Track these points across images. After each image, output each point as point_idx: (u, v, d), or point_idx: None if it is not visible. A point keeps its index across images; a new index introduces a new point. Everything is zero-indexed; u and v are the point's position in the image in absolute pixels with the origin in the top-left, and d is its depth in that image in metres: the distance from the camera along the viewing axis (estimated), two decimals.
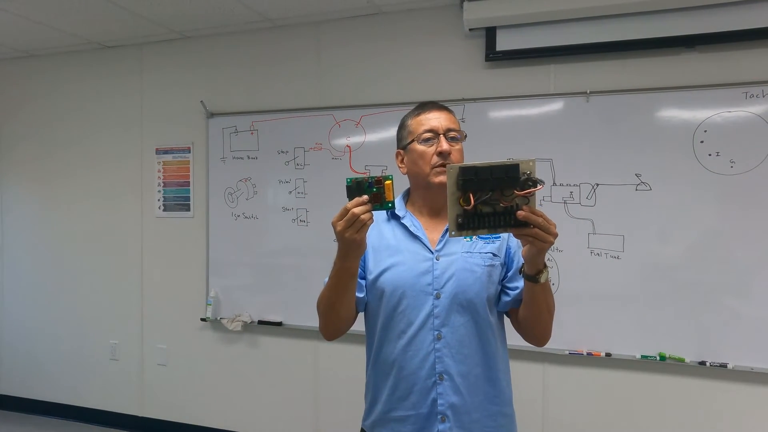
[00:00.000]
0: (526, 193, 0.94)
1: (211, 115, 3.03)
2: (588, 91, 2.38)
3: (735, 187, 2.21)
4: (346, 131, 2.77)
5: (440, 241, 1.21)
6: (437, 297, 1.17)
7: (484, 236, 1.21)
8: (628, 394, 2.39)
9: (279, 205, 2.90)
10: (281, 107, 2.91)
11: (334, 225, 1.02)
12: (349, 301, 1.16)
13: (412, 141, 1.22)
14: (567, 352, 2.42)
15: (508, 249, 1.24)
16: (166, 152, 3.19)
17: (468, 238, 1.21)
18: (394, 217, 1.25)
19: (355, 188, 1.02)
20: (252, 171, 2.95)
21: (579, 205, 2.40)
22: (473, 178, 0.93)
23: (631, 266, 2.33)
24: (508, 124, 2.50)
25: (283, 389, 2.96)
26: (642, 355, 2.32)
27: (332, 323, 1.19)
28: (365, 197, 1.01)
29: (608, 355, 2.37)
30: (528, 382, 2.49)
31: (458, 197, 0.95)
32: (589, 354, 2.39)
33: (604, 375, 2.42)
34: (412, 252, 1.21)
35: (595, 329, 2.39)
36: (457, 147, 1.20)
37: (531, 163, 0.94)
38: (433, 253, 1.20)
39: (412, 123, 1.24)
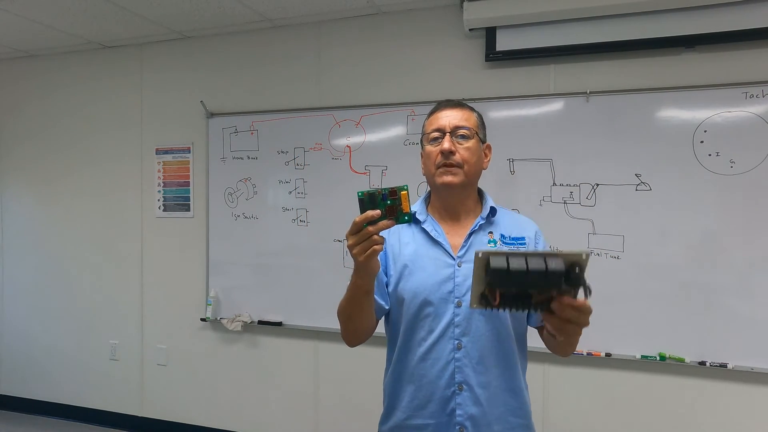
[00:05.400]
0: (565, 302, 0.82)
1: (211, 115, 3.03)
2: (588, 91, 2.38)
3: (735, 187, 2.21)
4: (346, 131, 2.77)
5: (462, 246, 1.17)
6: (458, 305, 1.14)
7: (508, 242, 1.18)
8: (628, 394, 2.39)
9: (279, 205, 2.90)
10: (281, 107, 2.91)
11: (347, 239, 0.99)
12: (367, 315, 1.13)
13: (424, 142, 1.21)
14: None
15: None
16: (166, 152, 3.19)
17: (492, 243, 1.18)
18: (414, 221, 1.21)
19: (368, 201, 0.96)
20: (252, 171, 2.95)
21: (579, 206, 2.40)
22: (504, 277, 0.79)
23: (631, 266, 2.33)
24: (509, 124, 2.50)
25: (283, 389, 2.96)
26: (642, 355, 2.32)
27: (352, 332, 1.17)
28: (377, 211, 0.94)
29: (608, 355, 2.37)
30: (528, 382, 2.49)
31: (485, 281, 0.82)
32: (589, 354, 2.40)
33: (604, 375, 2.42)
34: (432, 258, 1.17)
35: (595, 329, 2.36)
36: (466, 145, 1.16)
37: (585, 257, 0.77)
38: (454, 259, 1.16)
39: (425, 124, 1.23)
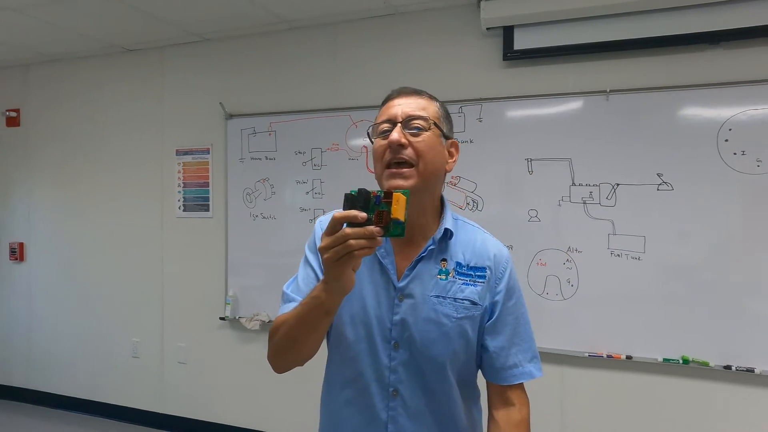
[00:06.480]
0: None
1: (230, 116, 3.07)
2: (608, 90, 2.35)
3: (761, 186, 2.15)
4: (362, 132, 2.77)
5: (405, 276, 0.97)
6: (395, 348, 0.96)
7: (465, 273, 0.98)
8: (650, 399, 2.34)
9: (296, 205, 2.92)
10: (298, 108, 2.93)
11: (321, 239, 0.80)
12: (315, 340, 0.92)
13: (372, 136, 0.99)
14: (586, 355, 2.39)
15: (495, 295, 1.00)
16: (186, 153, 3.24)
17: (443, 274, 0.97)
18: None
19: (356, 200, 0.78)
20: (270, 171, 2.98)
21: (599, 206, 2.37)
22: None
23: (653, 267, 2.29)
24: (527, 124, 2.48)
25: (300, 388, 2.98)
26: (664, 359, 2.28)
27: (289, 359, 0.98)
28: (362, 214, 0.76)
29: (629, 357, 2.33)
30: (546, 384, 2.46)
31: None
32: (609, 356, 2.36)
33: (625, 378, 2.37)
34: (374, 284, 0.98)
35: (616, 331, 2.35)
36: (420, 139, 0.94)
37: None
38: (396, 290, 0.97)
39: (377, 115, 1.01)
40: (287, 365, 0.99)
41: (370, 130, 1.00)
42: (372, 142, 0.99)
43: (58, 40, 3.18)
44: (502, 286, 1.00)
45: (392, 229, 0.78)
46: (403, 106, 0.97)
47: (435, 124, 0.96)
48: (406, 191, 0.79)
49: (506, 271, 1.02)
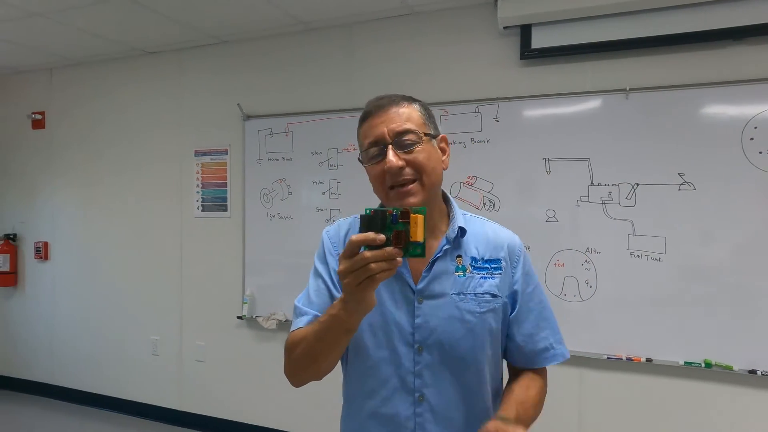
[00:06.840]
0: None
1: (248, 117, 3.10)
2: (628, 88, 2.31)
3: None
4: None
5: (423, 278, 0.95)
6: (419, 351, 0.94)
7: (481, 266, 0.97)
8: (671, 403, 2.30)
9: (313, 205, 2.94)
10: (315, 109, 2.94)
11: (339, 262, 0.78)
12: (335, 356, 0.91)
13: (363, 161, 0.97)
14: (605, 357, 2.35)
15: (513, 284, 1.00)
16: (204, 154, 3.28)
17: (460, 271, 0.96)
18: None
19: (373, 221, 0.76)
20: (286, 172, 3.00)
21: (618, 206, 2.33)
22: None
23: (674, 268, 2.25)
24: (544, 123, 2.45)
25: (317, 387, 2.99)
26: (686, 362, 2.23)
27: (308, 375, 0.95)
28: (381, 236, 0.75)
29: (649, 360, 2.29)
30: (564, 387, 2.43)
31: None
32: (628, 359, 2.32)
33: (645, 381, 2.33)
34: (390, 289, 0.96)
35: (636, 333, 2.31)
36: (415, 154, 0.92)
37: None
38: (415, 293, 0.95)
39: (359, 134, 0.98)
40: (305, 380, 0.98)
41: (360, 157, 0.97)
42: (364, 165, 0.97)
43: (80, 43, 3.25)
44: (518, 274, 1.01)
45: (411, 249, 0.76)
46: (386, 123, 0.93)
47: (425, 133, 0.94)
48: (423, 209, 0.77)
49: (520, 259, 1.02)
